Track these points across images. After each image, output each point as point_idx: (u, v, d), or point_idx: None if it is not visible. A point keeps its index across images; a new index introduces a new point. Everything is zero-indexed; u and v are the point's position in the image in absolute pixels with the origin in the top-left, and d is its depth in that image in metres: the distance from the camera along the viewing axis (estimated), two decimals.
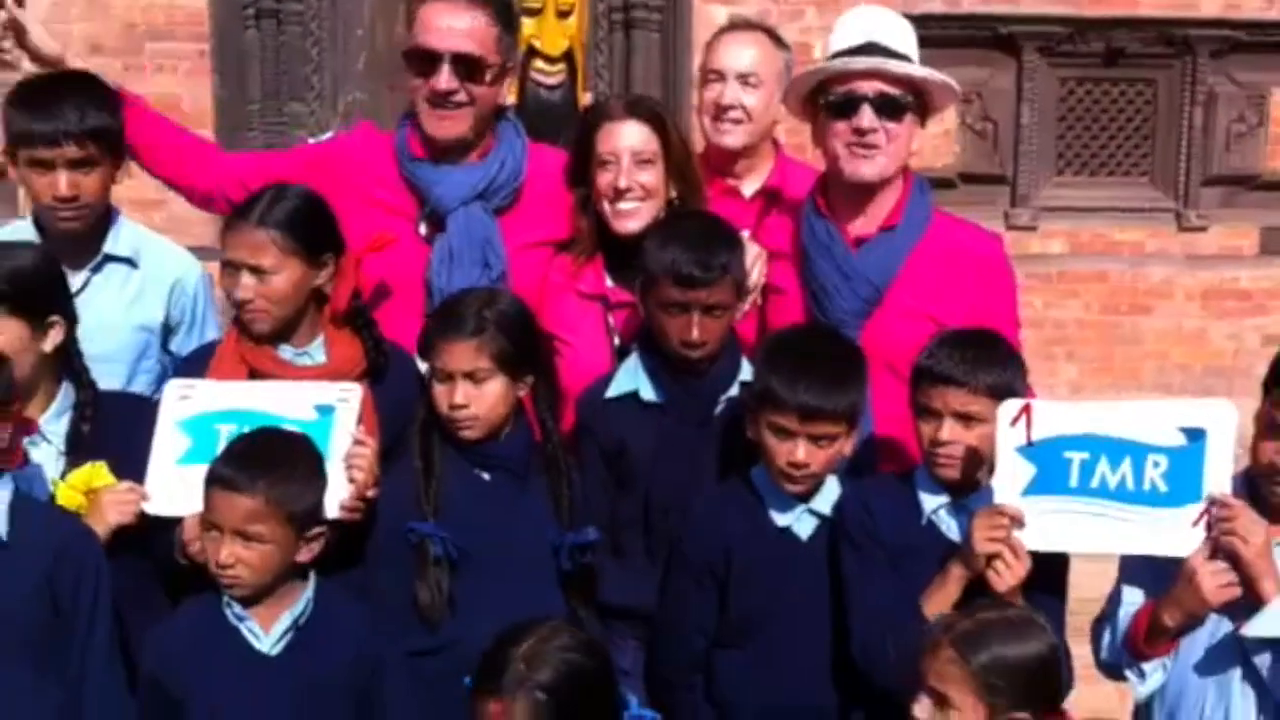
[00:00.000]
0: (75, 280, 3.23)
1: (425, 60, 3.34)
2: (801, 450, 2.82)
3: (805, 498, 2.93)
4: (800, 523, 2.94)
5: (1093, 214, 6.90)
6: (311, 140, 3.84)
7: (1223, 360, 6.83)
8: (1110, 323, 6.86)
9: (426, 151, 3.43)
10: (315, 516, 2.70)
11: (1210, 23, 6.75)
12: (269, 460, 2.65)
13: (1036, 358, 6.45)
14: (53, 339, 2.91)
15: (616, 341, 3.39)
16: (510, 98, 4.29)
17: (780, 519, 2.93)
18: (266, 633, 2.66)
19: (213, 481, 2.64)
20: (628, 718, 2.54)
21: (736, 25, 3.99)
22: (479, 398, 2.96)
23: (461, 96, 3.34)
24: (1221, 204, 6.94)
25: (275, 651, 2.66)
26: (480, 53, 3.34)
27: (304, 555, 2.68)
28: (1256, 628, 2.68)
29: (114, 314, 3.29)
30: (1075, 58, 6.79)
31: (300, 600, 2.69)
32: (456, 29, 3.32)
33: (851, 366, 2.91)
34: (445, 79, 3.32)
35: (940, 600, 2.73)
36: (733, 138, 3.71)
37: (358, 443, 2.88)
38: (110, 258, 3.33)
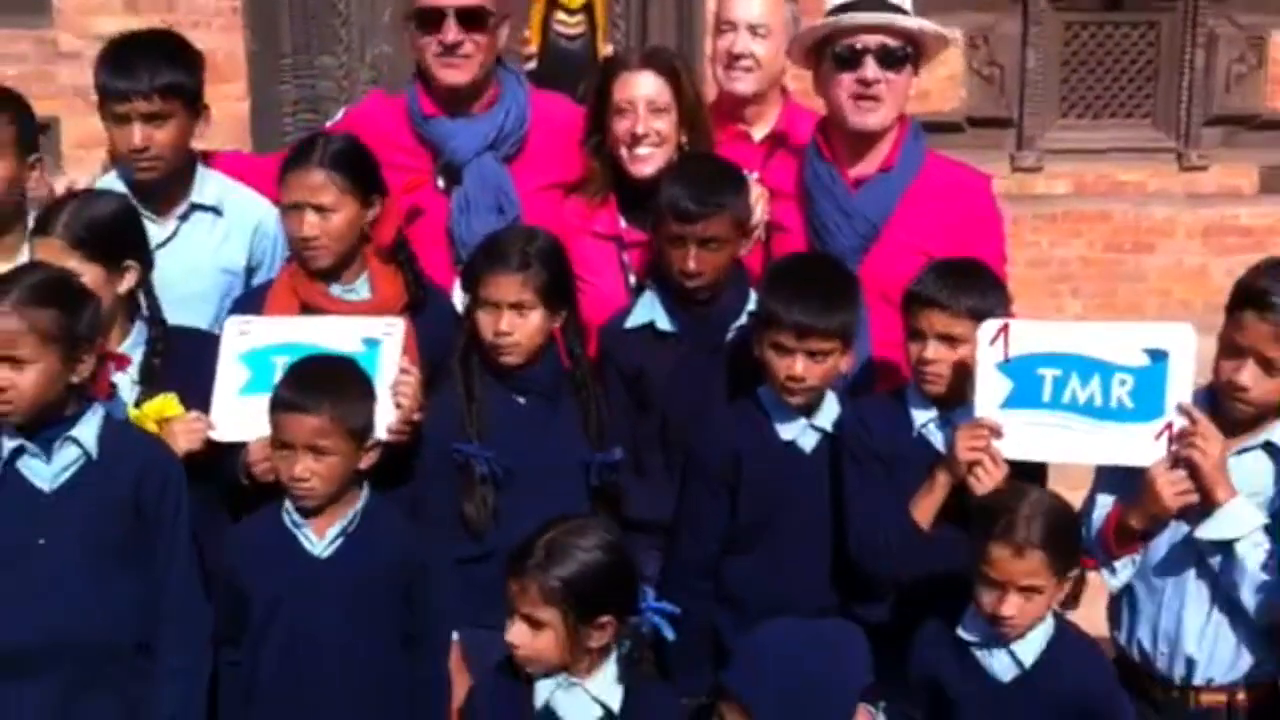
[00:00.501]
0: (166, 228, 3.46)
1: (430, 18, 3.56)
2: (799, 364, 3.02)
3: (808, 413, 3.13)
4: (804, 436, 3.14)
5: (1096, 155, 6.95)
6: (328, 124, 4.10)
7: (1223, 296, 6.80)
8: (1113, 260, 6.87)
9: (438, 108, 3.64)
10: (370, 431, 2.96)
11: None
12: (327, 382, 2.90)
13: (1042, 294, 6.60)
14: (127, 281, 3.14)
15: (632, 279, 3.58)
16: (531, 48, 4.53)
17: (785, 432, 3.14)
18: (320, 538, 2.91)
19: (280, 406, 2.89)
20: (645, 608, 2.75)
21: None
22: (522, 326, 3.17)
23: (468, 47, 3.57)
24: (1222, 144, 6.95)
25: (325, 554, 2.91)
26: (480, 3, 3.57)
27: (365, 462, 2.95)
28: (1209, 530, 2.90)
29: (201, 258, 3.50)
30: (1079, 2, 6.88)
31: (351, 512, 2.94)
32: None
33: (843, 290, 3.10)
34: (453, 31, 3.54)
35: (927, 504, 2.96)
36: (744, 85, 3.89)
37: (403, 371, 3.10)
38: (196, 206, 3.51)
